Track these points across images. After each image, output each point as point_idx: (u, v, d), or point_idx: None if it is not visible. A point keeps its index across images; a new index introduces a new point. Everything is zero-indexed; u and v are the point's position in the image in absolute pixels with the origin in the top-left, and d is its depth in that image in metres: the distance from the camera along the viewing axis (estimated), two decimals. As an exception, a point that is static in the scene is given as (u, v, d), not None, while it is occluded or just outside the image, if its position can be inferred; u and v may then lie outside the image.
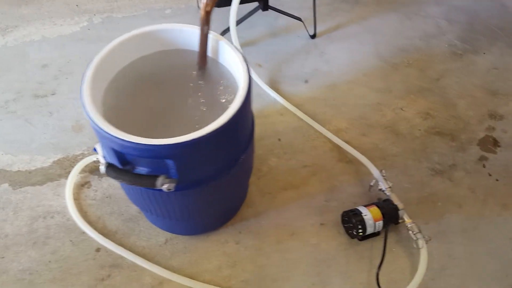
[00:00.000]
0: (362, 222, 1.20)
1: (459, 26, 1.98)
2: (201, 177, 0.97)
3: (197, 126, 0.87)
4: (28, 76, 1.69)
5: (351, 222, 1.22)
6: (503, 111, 1.64)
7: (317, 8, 1.82)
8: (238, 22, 1.76)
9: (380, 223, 1.21)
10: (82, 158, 1.40)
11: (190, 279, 1.17)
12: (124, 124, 0.85)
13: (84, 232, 1.26)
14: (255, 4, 1.74)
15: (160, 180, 0.81)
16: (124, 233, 1.27)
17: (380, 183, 1.31)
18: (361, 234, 1.21)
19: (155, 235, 1.26)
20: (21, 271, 1.19)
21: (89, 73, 0.88)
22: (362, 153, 1.45)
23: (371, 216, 1.21)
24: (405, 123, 1.58)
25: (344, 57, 1.81)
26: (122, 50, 0.97)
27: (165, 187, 0.88)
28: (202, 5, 0.92)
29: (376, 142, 1.52)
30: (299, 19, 1.81)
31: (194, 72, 1.06)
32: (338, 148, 1.48)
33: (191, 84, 1.06)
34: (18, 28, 1.87)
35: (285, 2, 1.98)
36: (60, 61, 1.74)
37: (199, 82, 1.06)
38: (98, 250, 1.24)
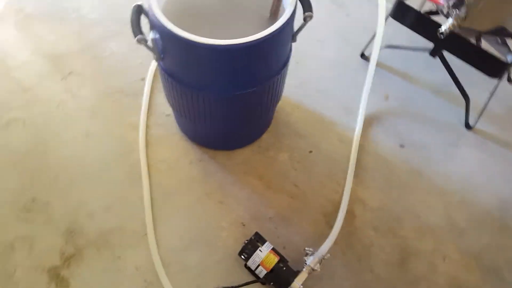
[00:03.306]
0: (251, 252, 1.11)
1: None
2: (182, 76, 1.08)
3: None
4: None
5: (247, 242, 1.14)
6: None
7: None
8: (401, 47, 1.58)
9: (262, 271, 1.09)
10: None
11: (145, 147, 1.37)
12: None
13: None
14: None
15: (140, 36, 0.98)
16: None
17: (311, 257, 1.13)
18: (243, 259, 1.13)
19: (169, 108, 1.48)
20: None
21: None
22: (349, 232, 1.24)
23: (262, 257, 1.10)
24: (425, 266, 1.21)
25: (462, 166, 1.42)
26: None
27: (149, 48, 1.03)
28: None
29: (374, 242, 1.25)
30: (465, 97, 1.46)
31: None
32: (338, 202, 1.29)
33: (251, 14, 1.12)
34: None
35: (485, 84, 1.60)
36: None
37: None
38: (142, 79, 1.56)
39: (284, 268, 1.10)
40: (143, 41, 0.99)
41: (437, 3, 1.24)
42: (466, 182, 1.39)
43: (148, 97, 1.49)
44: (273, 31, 0.94)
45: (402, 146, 1.47)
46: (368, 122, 1.51)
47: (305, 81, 1.60)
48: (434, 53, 1.41)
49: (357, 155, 1.41)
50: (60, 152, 1.34)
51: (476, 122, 1.50)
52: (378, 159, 1.43)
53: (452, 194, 1.36)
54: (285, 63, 1.14)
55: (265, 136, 1.45)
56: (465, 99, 1.46)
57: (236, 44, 0.93)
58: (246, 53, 0.98)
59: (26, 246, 1.15)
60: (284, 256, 1.15)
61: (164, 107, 1.48)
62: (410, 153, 1.45)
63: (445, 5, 1.22)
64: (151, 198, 1.27)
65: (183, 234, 1.22)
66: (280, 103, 1.53)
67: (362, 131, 1.47)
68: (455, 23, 1.20)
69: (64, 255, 1.15)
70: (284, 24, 0.96)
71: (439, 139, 1.49)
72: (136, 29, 1.00)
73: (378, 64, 1.70)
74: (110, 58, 1.59)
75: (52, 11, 1.69)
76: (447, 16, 1.24)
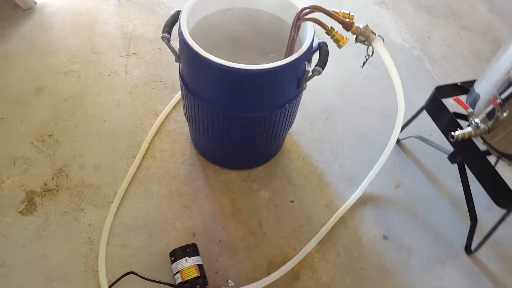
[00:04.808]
0: (178, 257, 1.16)
1: None
2: (188, 80, 1.21)
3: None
4: None
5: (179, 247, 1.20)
6: None
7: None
8: (428, 142, 1.51)
9: (178, 279, 1.13)
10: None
11: (153, 133, 1.52)
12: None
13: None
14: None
15: (164, 34, 1.13)
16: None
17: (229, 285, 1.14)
18: (171, 261, 1.18)
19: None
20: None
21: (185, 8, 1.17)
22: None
23: (184, 267, 1.14)
24: None
25: (438, 286, 1.28)
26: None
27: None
28: (297, 14, 1.01)
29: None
30: (473, 218, 1.32)
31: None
32: (290, 258, 1.28)
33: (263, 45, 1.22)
34: None
35: None
36: None
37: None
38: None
39: (198, 287, 1.12)
40: (165, 39, 1.14)
41: (463, 106, 1.18)
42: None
43: (181, 95, 1.66)
44: (263, 69, 1.02)
45: (385, 238, 1.38)
46: (364, 201, 1.46)
47: (325, 138, 1.62)
48: (452, 158, 1.33)
49: (334, 226, 1.37)
50: (90, 109, 1.57)
51: (478, 248, 1.34)
52: (353, 239, 1.37)
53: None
54: (282, 105, 1.19)
55: (259, 169, 1.49)
56: (471, 219, 1.32)
57: (229, 66, 1.02)
58: (239, 78, 1.07)
59: (24, 166, 1.38)
60: (207, 278, 1.17)
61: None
62: (389, 249, 1.36)
63: (469, 112, 1.16)
64: (133, 176, 1.41)
65: (140, 217, 1.32)
66: (289, 147, 1.58)
67: (352, 206, 1.42)
68: (472, 133, 1.12)
69: (46, 186, 1.34)
70: (279, 66, 1.03)
71: (429, 249, 1.36)
72: (167, 28, 1.16)
73: (409, 153, 1.65)
74: (170, 54, 1.81)
75: (149, 2, 2.01)
76: (469, 123, 1.18)
